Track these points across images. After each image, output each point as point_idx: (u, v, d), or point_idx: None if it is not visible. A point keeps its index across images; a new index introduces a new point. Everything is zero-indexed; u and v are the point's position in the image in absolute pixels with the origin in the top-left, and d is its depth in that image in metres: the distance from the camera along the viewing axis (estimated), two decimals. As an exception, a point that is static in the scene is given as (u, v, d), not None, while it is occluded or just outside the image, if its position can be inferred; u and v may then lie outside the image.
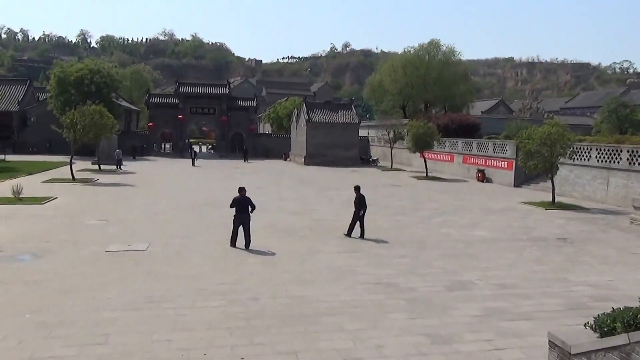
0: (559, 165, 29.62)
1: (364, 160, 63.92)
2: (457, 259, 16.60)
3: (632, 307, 7.06)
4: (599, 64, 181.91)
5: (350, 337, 9.90)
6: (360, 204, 19.41)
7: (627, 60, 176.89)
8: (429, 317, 11.20)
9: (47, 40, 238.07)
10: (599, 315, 7.31)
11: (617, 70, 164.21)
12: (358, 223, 19.61)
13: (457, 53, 73.68)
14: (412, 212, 26.49)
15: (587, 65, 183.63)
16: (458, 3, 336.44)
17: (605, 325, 7.04)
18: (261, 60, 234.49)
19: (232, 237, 17.37)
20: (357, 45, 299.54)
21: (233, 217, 17.40)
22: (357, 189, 19.95)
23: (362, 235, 19.42)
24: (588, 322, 7.38)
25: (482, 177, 43.53)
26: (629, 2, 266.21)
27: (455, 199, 31.99)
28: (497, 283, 13.88)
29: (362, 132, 70.42)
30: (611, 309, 7.31)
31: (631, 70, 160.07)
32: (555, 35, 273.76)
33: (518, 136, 32.38)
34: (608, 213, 27.42)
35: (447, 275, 14.56)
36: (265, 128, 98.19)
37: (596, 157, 32.11)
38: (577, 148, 31.46)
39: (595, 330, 7.23)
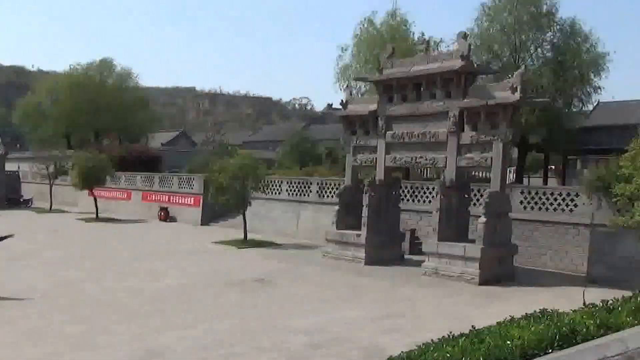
0: (250, 200, 30.71)
1: (13, 200, 56.98)
2: (147, 319, 15.23)
3: None
4: (280, 99, 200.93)
5: None
6: None
7: (305, 97, 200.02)
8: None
9: None
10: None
11: (297, 106, 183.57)
12: None
13: (135, 76, 72.62)
14: (80, 263, 24.16)
15: (269, 99, 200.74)
16: (133, 25, 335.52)
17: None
18: None
19: None
20: (6, 61, 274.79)
21: None
22: None
23: None
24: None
25: (166, 216, 42.80)
26: (306, 43, 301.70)
27: (136, 243, 30.59)
28: (201, 344, 12.98)
29: (11, 166, 63.44)
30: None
31: (309, 107, 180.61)
32: (237, 68, 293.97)
33: (208, 169, 32.74)
34: (301, 248, 29.30)
35: (135, 343, 13.03)
36: None
37: (287, 190, 34.33)
38: (268, 181, 33.14)
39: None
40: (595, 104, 33.29)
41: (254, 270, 22.87)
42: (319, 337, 13.52)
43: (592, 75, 30.78)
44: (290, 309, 16.53)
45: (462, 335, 7.74)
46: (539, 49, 31.69)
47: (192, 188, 41.88)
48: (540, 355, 5.27)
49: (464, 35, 23.25)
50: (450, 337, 7.74)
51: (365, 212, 24.73)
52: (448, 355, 6.18)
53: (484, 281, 20.28)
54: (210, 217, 39.77)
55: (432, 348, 7.29)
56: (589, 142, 33.45)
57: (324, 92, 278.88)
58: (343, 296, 18.44)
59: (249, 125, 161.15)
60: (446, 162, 22.76)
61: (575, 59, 29.89)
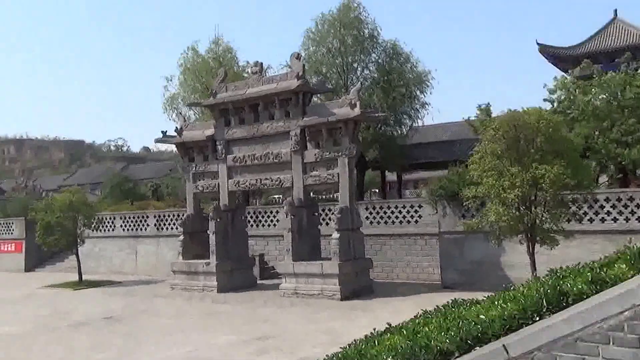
0: (84, 238, 27.99)
1: None
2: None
3: None
4: (94, 141, 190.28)
5: None
6: None
7: (121, 138, 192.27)
8: None
9: None
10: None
11: (113, 147, 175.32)
12: None
13: None
14: None
15: (82, 142, 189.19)
16: None
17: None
18: None
19: None
20: None
21: None
22: None
23: None
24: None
25: (-18, 267, 37.80)
26: (118, 83, 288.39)
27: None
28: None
29: None
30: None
31: (125, 148, 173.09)
32: (44, 112, 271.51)
33: (32, 209, 29.57)
34: (144, 283, 27.00)
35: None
36: None
37: (122, 226, 31.74)
38: (101, 218, 30.46)
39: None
40: (410, 125, 34.83)
41: (98, 309, 20.46)
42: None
43: (418, 92, 32.33)
44: (151, 342, 14.74)
45: (385, 331, 6.97)
46: (365, 70, 32.68)
47: (11, 233, 37.32)
48: (528, 324, 4.64)
49: (298, 56, 23.08)
50: (376, 333, 6.94)
51: (212, 239, 23.33)
52: (403, 344, 5.35)
53: (345, 296, 19.79)
54: (35, 262, 35.70)
55: (362, 346, 6.42)
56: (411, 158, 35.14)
57: (140, 132, 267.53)
58: (204, 324, 16.91)
59: (62, 169, 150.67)
60: (292, 181, 22.22)
61: (401, 78, 31.19)
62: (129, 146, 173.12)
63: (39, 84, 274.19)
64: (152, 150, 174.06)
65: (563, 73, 35.68)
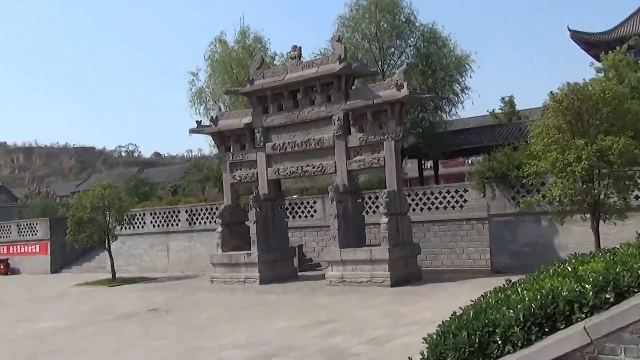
0: (116, 234, 27.83)
1: None
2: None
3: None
4: (104, 147, 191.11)
5: None
6: None
7: (132, 144, 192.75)
8: None
9: None
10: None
11: (124, 153, 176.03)
12: None
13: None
14: None
15: (92, 149, 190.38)
16: None
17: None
18: None
19: None
20: None
21: None
22: None
23: None
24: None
25: (6, 269, 37.56)
26: (129, 88, 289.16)
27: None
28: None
29: None
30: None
31: (137, 154, 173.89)
32: (54, 119, 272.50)
33: (64, 205, 29.53)
34: (179, 279, 26.69)
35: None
36: None
37: (152, 222, 31.51)
38: (131, 214, 30.25)
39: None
40: (449, 110, 34.27)
41: (141, 303, 20.19)
42: (262, 349, 11.69)
43: (459, 77, 31.87)
44: (207, 330, 14.39)
45: (513, 285, 6.54)
46: (402, 56, 32.22)
47: (35, 234, 37.16)
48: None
49: (338, 39, 22.82)
50: (508, 285, 6.53)
51: (253, 229, 22.99)
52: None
53: (395, 282, 19.38)
54: (61, 263, 35.58)
55: (495, 301, 5.98)
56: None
57: (151, 137, 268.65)
58: (257, 313, 16.58)
59: (72, 177, 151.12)
60: (336, 167, 21.88)
61: (439, 63, 30.73)
62: (140, 152, 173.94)
63: (47, 91, 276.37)
64: (163, 155, 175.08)
65: (593, 59, 35.45)
